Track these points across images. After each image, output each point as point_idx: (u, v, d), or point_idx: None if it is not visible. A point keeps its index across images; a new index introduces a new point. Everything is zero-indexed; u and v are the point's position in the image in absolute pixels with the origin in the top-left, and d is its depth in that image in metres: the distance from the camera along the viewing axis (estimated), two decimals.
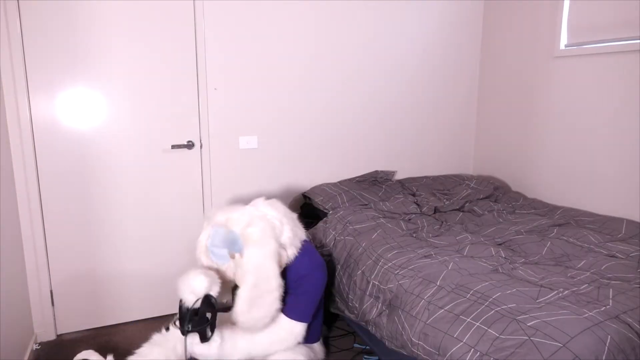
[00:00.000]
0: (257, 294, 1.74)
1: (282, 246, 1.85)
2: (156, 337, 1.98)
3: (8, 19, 2.11)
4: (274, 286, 1.75)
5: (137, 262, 2.56)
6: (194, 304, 1.72)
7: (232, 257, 1.87)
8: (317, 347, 2.06)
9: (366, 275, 1.96)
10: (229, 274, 1.90)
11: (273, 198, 2.00)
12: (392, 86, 3.00)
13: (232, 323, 1.87)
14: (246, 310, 1.74)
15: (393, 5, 2.88)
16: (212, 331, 1.77)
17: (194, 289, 1.74)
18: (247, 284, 1.74)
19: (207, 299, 1.73)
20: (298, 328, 1.86)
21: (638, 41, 2.20)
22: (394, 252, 1.96)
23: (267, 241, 1.77)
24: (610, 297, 1.52)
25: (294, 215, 1.99)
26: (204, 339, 1.75)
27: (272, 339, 1.83)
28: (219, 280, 1.82)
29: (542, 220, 2.29)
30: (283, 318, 1.85)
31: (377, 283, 1.88)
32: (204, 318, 1.72)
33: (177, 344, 1.97)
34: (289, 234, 1.86)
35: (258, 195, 2.66)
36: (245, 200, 2.70)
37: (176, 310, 2.62)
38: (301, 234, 1.97)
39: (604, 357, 1.28)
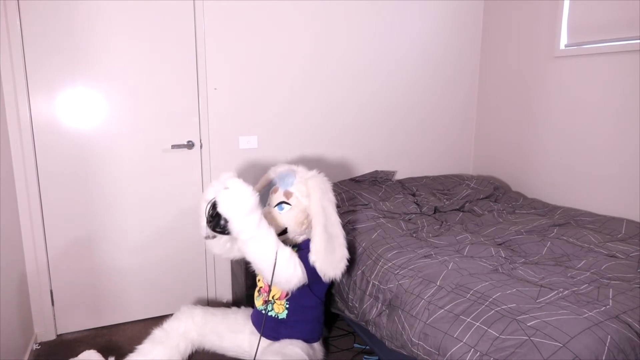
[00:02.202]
0: (328, 237, 1.84)
1: None
2: (157, 333, 1.97)
3: (8, 19, 2.11)
4: (340, 231, 1.89)
5: (137, 262, 2.56)
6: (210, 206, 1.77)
7: (275, 191, 1.97)
8: (317, 346, 2.06)
9: (366, 275, 1.96)
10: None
11: None
12: (392, 86, 3.00)
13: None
14: (322, 251, 1.81)
15: (393, 5, 2.88)
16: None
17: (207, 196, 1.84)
18: (318, 225, 1.84)
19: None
20: (302, 273, 1.80)
21: (638, 41, 2.20)
22: (394, 252, 1.96)
23: (329, 192, 1.95)
24: (610, 297, 1.52)
25: None
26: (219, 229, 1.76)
27: (283, 253, 1.75)
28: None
29: (542, 220, 2.29)
30: (297, 256, 1.82)
31: (377, 283, 1.88)
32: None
33: (180, 342, 1.97)
34: None
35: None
36: None
37: (174, 311, 2.62)
38: None
39: (604, 357, 1.28)
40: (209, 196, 1.83)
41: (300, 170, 2.03)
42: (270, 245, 1.73)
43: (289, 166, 2.09)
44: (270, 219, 1.92)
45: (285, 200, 1.94)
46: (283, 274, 1.76)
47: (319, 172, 2.02)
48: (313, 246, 1.83)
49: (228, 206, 1.68)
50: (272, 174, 2.10)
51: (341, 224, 1.93)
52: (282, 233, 1.96)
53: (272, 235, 1.74)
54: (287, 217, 1.94)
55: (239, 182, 1.71)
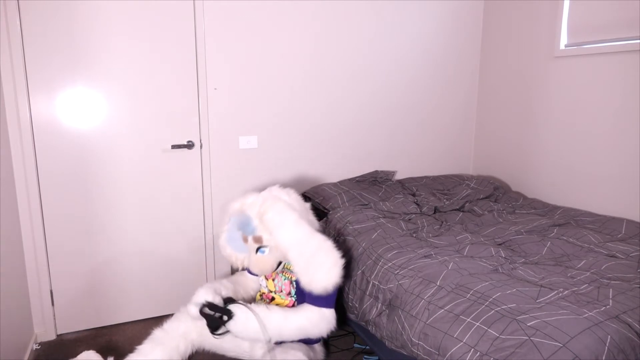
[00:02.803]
0: (308, 260, 1.78)
1: None
2: (157, 334, 1.97)
3: (8, 19, 2.11)
4: (318, 243, 1.80)
5: (137, 262, 2.56)
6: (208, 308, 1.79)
7: (245, 240, 1.90)
8: (318, 347, 2.06)
9: (366, 275, 1.96)
10: (254, 267, 1.92)
11: (288, 187, 2.05)
12: (392, 86, 3.00)
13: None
14: (310, 279, 1.76)
15: (393, 5, 2.88)
16: (220, 324, 1.79)
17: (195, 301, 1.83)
18: (293, 259, 1.79)
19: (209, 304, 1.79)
20: (327, 313, 1.82)
21: (638, 41, 2.20)
22: (394, 252, 1.96)
23: (286, 215, 1.83)
24: (610, 297, 1.52)
25: (307, 205, 2.03)
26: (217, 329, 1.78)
27: (303, 322, 1.79)
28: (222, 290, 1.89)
29: (542, 220, 2.29)
30: (309, 306, 1.83)
31: (377, 283, 1.88)
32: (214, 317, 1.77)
33: (180, 342, 1.97)
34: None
35: None
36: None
37: (174, 311, 2.62)
38: (315, 223, 2.01)
39: (604, 357, 1.28)
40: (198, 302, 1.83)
41: (251, 204, 1.93)
42: (291, 330, 1.78)
43: (239, 206, 1.97)
44: (262, 264, 1.91)
45: (260, 244, 1.90)
46: (320, 332, 1.80)
47: (268, 191, 1.96)
48: (301, 279, 1.79)
49: (239, 333, 1.75)
50: (232, 214, 2.01)
51: (319, 230, 1.89)
52: (278, 266, 1.96)
53: (286, 321, 1.77)
54: (272, 256, 1.91)
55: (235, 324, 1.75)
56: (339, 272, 1.80)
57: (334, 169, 2.95)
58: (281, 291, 1.98)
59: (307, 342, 2.00)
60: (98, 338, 2.44)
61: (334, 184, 2.77)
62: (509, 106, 3.01)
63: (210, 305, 1.77)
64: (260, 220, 1.87)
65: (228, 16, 2.51)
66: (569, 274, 1.73)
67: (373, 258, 1.99)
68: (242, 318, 1.75)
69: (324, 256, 1.79)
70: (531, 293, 1.55)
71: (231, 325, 1.75)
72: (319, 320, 1.80)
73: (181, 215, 2.61)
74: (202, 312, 1.77)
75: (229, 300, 1.83)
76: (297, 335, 1.79)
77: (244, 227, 1.90)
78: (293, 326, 1.78)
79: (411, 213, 2.51)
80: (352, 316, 2.06)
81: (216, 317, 1.76)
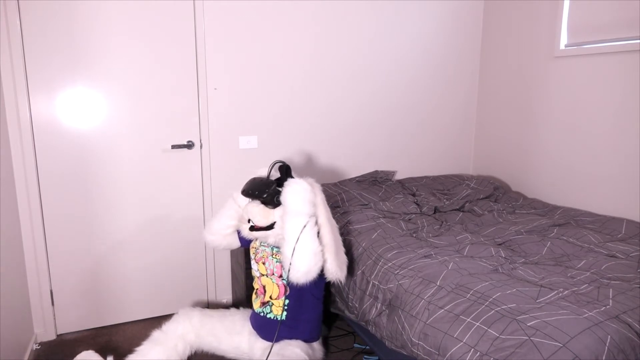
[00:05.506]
0: (337, 238, 1.88)
1: None
2: (156, 335, 1.98)
3: (8, 19, 2.11)
4: (339, 236, 1.93)
5: (137, 262, 2.56)
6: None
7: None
8: (316, 345, 2.06)
9: (366, 275, 1.96)
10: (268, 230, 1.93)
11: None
12: (392, 86, 3.00)
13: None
14: (334, 251, 1.82)
15: (393, 5, 2.88)
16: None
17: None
18: (328, 232, 1.83)
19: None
20: (319, 265, 1.80)
21: (638, 41, 2.20)
22: (394, 252, 1.96)
23: (319, 189, 1.93)
24: (610, 297, 1.52)
25: None
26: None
27: (305, 247, 1.77)
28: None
29: (542, 220, 2.29)
30: (318, 251, 1.84)
31: (377, 283, 1.88)
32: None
33: (178, 342, 1.97)
34: None
35: None
36: None
37: (174, 311, 2.63)
38: None
39: (604, 357, 1.28)
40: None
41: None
42: (309, 234, 1.77)
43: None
44: (263, 214, 1.89)
45: None
46: (306, 263, 1.74)
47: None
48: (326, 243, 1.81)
49: (294, 197, 1.79)
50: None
51: (338, 228, 1.93)
52: (269, 227, 1.92)
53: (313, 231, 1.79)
54: (276, 213, 1.89)
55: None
56: (318, 262, 1.79)
57: (333, 168, 2.95)
58: (272, 274, 1.97)
59: (306, 340, 2.00)
60: (98, 338, 2.44)
61: (334, 184, 2.77)
62: (509, 106, 3.01)
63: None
64: None
65: (228, 16, 2.51)
66: (569, 274, 1.73)
67: (373, 258, 1.99)
68: (295, 187, 1.81)
69: (310, 240, 1.79)
70: (531, 293, 1.55)
71: (284, 193, 1.82)
72: (311, 259, 1.76)
73: (181, 215, 2.61)
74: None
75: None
76: (297, 244, 1.77)
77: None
78: (309, 242, 1.77)
79: (411, 213, 2.51)
80: (352, 316, 2.06)
81: (272, 186, 1.87)
